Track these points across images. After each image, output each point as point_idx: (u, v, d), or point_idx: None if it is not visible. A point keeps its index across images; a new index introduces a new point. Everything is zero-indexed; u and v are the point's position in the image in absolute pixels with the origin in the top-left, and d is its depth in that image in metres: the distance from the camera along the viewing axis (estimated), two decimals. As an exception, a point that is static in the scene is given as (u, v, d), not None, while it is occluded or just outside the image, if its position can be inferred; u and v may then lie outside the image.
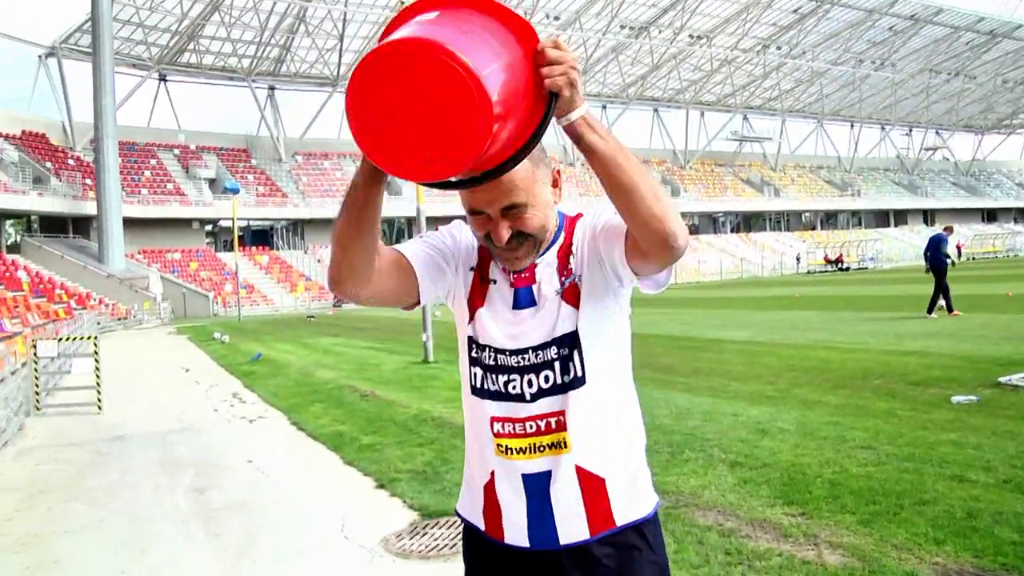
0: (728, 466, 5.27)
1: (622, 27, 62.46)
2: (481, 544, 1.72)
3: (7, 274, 34.03)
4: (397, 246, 1.67)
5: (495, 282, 1.67)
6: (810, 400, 7.53)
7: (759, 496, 4.60)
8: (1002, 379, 7.78)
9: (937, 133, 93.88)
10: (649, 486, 1.70)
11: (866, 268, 59.66)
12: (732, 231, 76.76)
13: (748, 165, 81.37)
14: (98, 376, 10.19)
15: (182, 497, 5.75)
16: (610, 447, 1.63)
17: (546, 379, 1.60)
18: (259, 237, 58.45)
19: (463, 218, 1.70)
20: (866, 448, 5.50)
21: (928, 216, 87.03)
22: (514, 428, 1.61)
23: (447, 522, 4.63)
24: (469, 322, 1.68)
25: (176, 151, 55.51)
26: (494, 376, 1.64)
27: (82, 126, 48.37)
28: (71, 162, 48.29)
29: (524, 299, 1.64)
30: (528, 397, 1.60)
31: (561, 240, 1.68)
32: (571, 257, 1.65)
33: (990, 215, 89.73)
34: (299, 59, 57.98)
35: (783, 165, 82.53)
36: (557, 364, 1.60)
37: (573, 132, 1.34)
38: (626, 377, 1.70)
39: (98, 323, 28.78)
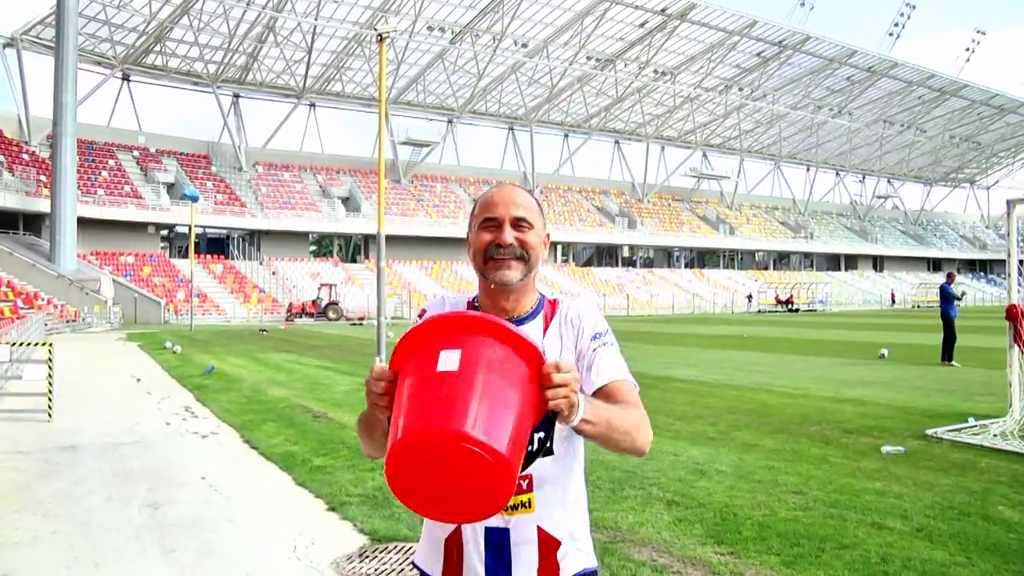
0: (665, 505, 5.54)
1: (588, 58, 63.50)
2: None
3: (-48, 269, 33.32)
4: None
5: None
6: (748, 443, 7.85)
7: (692, 535, 4.88)
8: (928, 431, 8.22)
9: (889, 182, 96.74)
10: (591, 550, 1.92)
11: (815, 310, 61.00)
12: (686, 266, 78.01)
13: (705, 202, 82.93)
14: (50, 384, 10.13)
15: (136, 511, 5.83)
16: (568, 511, 1.85)
17: None
18: (214, 245, 57.85)
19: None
20: (796, 493, 5.81)
21: (877, 262, 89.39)
22: None
23: (396, 547, 4.82)
24: None
25: (135, 153, 54.95)
26: None
27: (39, 121, 47.57)
28: (25, 156, 47.47)
29: None
30: None
31: (541, 318, 1.89)
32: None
33: (935, 264, 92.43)
34: (266, 68, 57.84)
35: (739, 204, 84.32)
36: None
37: (575, 429, 1.59)
38: (582, 448, 1.93)
39: (46, 324, 28.26)
